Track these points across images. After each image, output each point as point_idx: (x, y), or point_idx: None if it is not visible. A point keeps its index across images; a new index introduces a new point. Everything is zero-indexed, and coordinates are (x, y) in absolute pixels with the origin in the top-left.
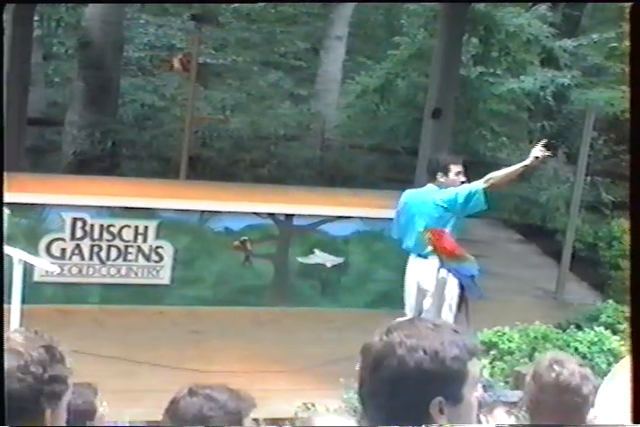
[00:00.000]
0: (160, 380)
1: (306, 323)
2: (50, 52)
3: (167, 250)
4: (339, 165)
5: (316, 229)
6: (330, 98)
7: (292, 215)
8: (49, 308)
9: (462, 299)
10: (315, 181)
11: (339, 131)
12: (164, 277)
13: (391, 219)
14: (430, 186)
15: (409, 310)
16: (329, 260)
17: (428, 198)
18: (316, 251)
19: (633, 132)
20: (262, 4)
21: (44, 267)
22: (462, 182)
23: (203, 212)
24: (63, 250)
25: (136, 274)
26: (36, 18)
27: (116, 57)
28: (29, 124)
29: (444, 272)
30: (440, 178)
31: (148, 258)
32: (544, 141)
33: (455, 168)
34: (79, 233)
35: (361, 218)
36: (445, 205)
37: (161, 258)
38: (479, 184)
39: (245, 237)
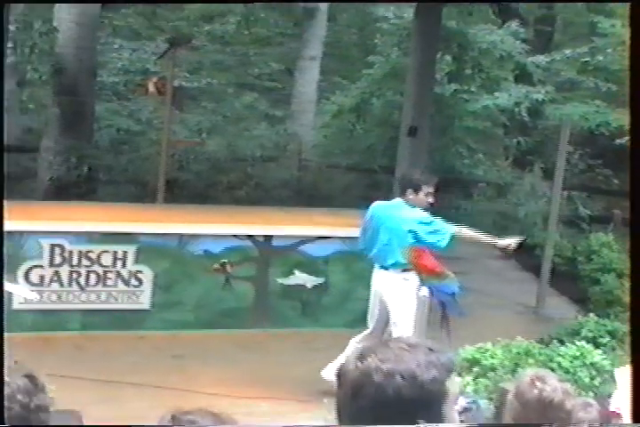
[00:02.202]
0: (143, 405)
1: (287, 344)
2: (24, 79)
3: (146, 274)
4: (316, 185)
5: (296, 249)
6: (306, 118)
7: (271, 237)
8: (29, 335)
9: (444, 317)
10: (293, 201)
11: (315, 151)
12: (144, 301)
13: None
14: (399, 201)
15: (370, 323)
16: (309, 280)
17: (395, 213)
18: (296, 272)
19: (632, 131)
20: (234, 25)
21: (24, 294)
22: (431, 204)
23: (181, 235)
24: (42, 277)
25: (116, 299)
26: (9, 44)
27: (91, 82)
28: (5, 152)
29: (425, 290)
30: (409, 195)
31: (127, 283)
32: (522, 239)
33: (426, 189)
34: (58, 259)
35: (340, 238)
36: (414, 227)
37: (140, 283)
38: (453, 228)
39: (225, 260)
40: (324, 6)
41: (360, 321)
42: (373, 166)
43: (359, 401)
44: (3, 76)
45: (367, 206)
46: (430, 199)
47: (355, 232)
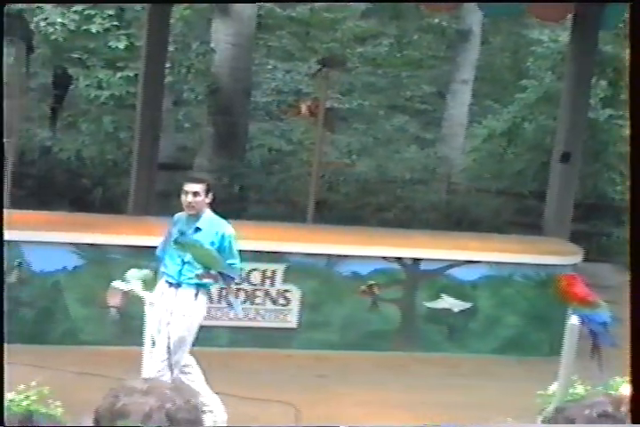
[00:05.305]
0: (288, 423)
1: (432, 368)
2: (180, 98)
3: (294, 294)
4: (465, 208)
5: (443, 273)
6: (456, 142)
7: (419, 260)
8: None
9: (595, 347)
10: (441, 224)
11: (465, 175)
12: (292, 320)
13: (518, 264)
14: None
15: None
16: (456, 305)
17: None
18: (444, 296)
19: (633, 132)
20: (387, 48)
21: None
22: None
23: (330, 256)
24: None
25: (263, 317)
26: (167, 65)
27: (245, 102)
28: (159, 169)
29: (575, 319)
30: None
31: (275, 301)
32: None
33: (189, 188)
34: None
35: (488, 262)
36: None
37: (288, 302)
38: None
39: (372, 282)
40: (477, 29)
41: (506, 348)
42: (523, 191)
43: None
44: (2, 78)
45: (516, 231)
46: (189, 199)
47: (503, 257)
